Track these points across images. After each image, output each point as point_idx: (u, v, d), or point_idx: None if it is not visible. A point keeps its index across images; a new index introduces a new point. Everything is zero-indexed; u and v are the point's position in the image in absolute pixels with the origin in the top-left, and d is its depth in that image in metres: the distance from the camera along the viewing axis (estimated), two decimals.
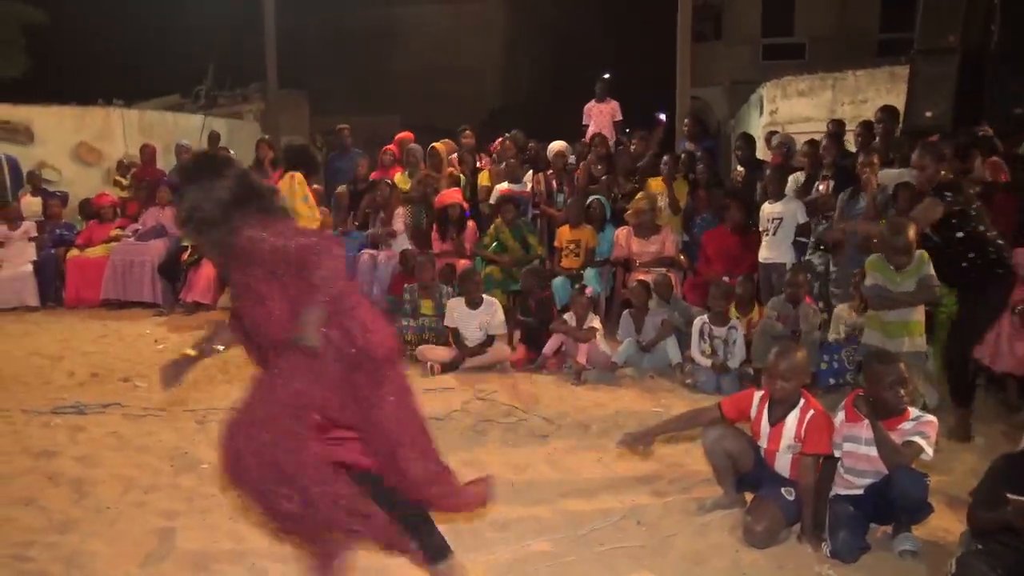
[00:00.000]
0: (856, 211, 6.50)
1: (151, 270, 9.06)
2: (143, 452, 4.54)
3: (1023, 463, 2.92)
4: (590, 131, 9.78)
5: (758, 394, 3.68)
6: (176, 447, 4.62)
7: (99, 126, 12.11)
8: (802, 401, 3.54)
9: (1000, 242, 4.66)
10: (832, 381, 5.79)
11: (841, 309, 6.04)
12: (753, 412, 3.67)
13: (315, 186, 7.92)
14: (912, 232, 4.58)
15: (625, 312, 6.67)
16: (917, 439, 3.31)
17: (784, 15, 22.81)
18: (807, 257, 6.79)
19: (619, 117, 10.12)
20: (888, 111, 7.32)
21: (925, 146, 4.81)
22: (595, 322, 6.29)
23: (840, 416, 3.53)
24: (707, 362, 5.97)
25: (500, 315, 6.41)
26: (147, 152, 10.52)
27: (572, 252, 7.78)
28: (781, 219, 7.03)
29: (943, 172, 4.70)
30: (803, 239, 6.96)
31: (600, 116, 10.15)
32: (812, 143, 7.66)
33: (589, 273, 7.58)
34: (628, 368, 6.28)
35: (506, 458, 4.48)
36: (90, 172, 11.74)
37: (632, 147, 8.90)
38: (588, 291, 6.55)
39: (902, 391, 3.36)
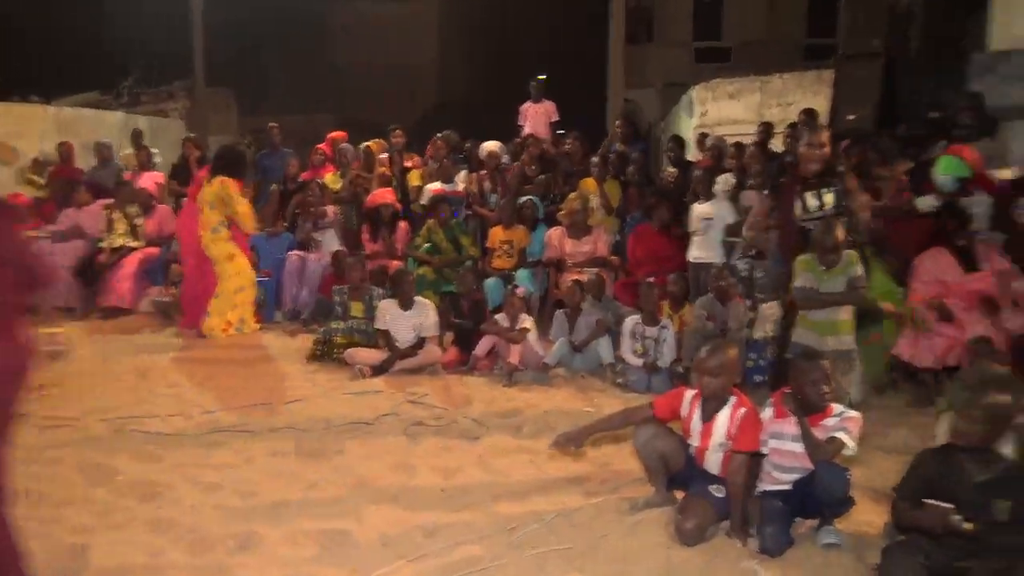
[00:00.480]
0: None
1: (67, 273, 8.67)
2: (54, 464, 4.32)
3: (943, 457, 2.97)
4: (526, 132, 9.76)
5: (689, 393, 3.69)
6: (88, 458, 4.40)
7: (14, 123, 11.60)
8: (733, 399, 3.56)
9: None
10: (758, 379, 5.86)
11: (768, 308, 6.14)
12: (684, 411, 3.67)
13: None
14: (841, 231, 4.66)
15: (558, 312, 6.66)
16: (840, 435, 3.37)
17: (713, 19, 23.28)
18: (732, 262, 6.89)
19: (555, 118, 10.13)
20: (810, 113, 7.49)
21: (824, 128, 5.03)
22: (527, 323, 6.25)
23: (768, 413, 3.57)
24: (638, 362, 6.00)
25: (432, 316, 6.33)
26: (64, 150, 10.11)
27: (505, 253, 7.74)
28: (711, 219, 7.12)
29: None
30: (732, 239, 7.05)
31: (536, 117, 10.15)
32: (739, 146, 7.80)
33: (522, 274, 7.55)
34: (560, 368, 6.27)
35: (436, 461, 4.41)
36: (2, 171, 11.22)
37: (567, 147, 8.91)
38: (520, 291, 6.51)
39: (825, 388, 3.41)
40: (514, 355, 6.06)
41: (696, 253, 7.17)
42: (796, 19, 22.72)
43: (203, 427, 4.92)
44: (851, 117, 7.75)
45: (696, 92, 10.25)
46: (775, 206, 5.15)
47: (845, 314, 4.82)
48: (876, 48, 7.64)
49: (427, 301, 6.47)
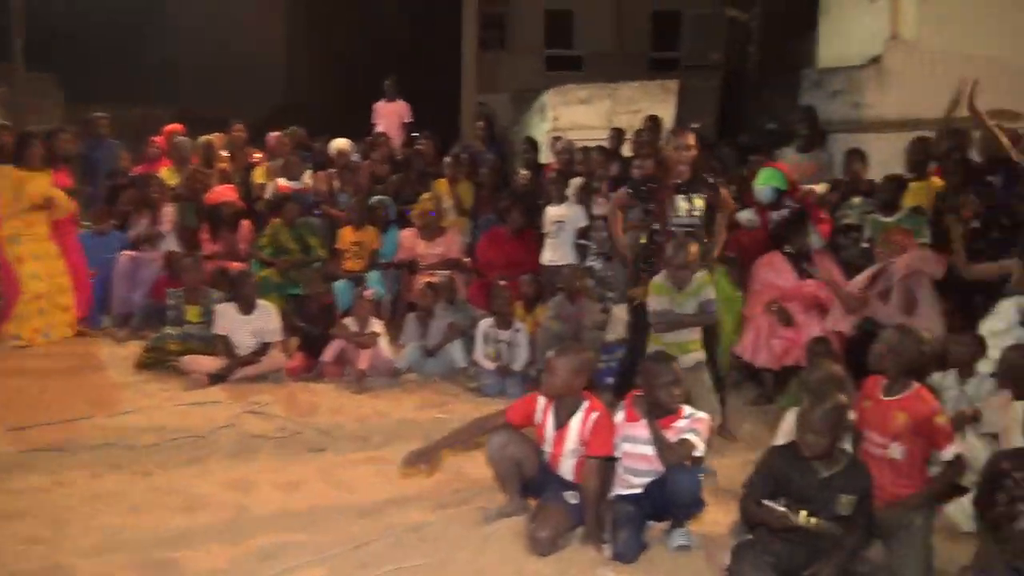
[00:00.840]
0: (630, 216, 6.72)
1: None
2: None
3: (790, 455, 3.03)
4: (378, 131, 9.50)
5: (543, 399, 3.61)
6: None
7: None
8: (586, 403, 3.50)
9: None
10: (610, 381, 5.91)
11: (619, 310, 6.21)
12: (538, 417, 3.59)
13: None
14: (694, 249, 4.72)
15: (410, 315, 6.47)
16: (690, 436, 3.38)
17: (565, 29, 23.78)
18: (588, 263, 6.94)
19: (408, 118, 9.92)
20: (654, 120, 7.66)
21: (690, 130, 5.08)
22: (377, 326, 6.03)
23: (620, 416, 3.54)
24: (492, 365, 5.90)
25: (275, 321, 5.97)
26: None
27: (355, 254, 7.46)
28: (563, 222, 7.14)
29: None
30: (583, 242, 7.10)
31: (389, 116, 9.90)
32: (586, 150, 7.85)
33: (373, 276, 7.30)
34: (412, 373, 6.08)
35: (277, 476, 4.12)
36: None
37: (420, 147, 8.73)
38: (369, 293, 6.26)
39: (676, 391, 3.41)
40: (364, 360, 5.82)
41: (549, 255, 7.17)
42: (642, 33, 23.57)
43: (10, 447, 4.38)
44: (695, 126, 7.96)
45: (549, 97, 10.34)
46: (647, 209, 5.12)
47: (695, 334, 4.82)
48: (717, 61, 7.91)
49: (270, 304, 6.10)
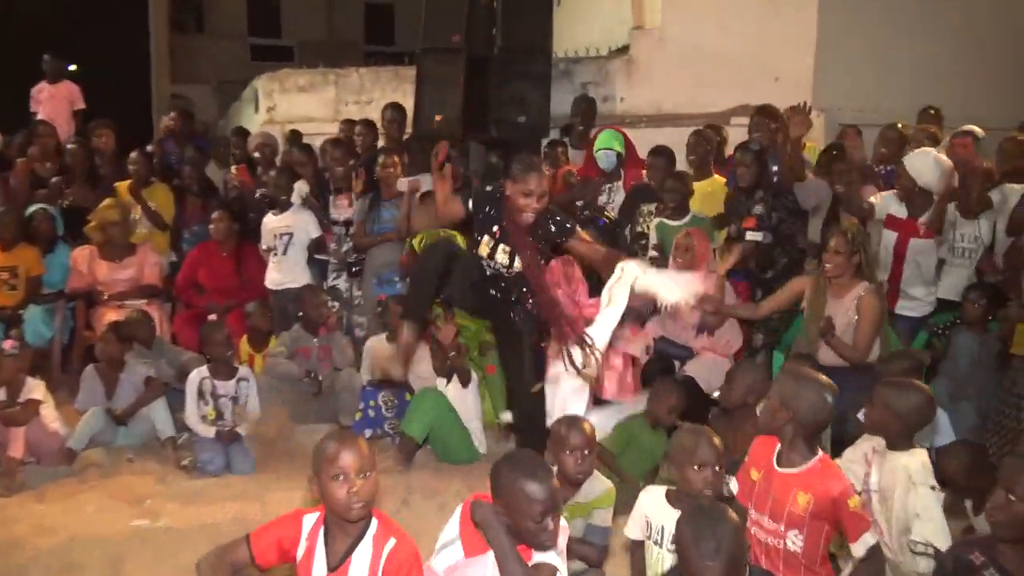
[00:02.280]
0: (381, 225, 5.57)
1: None
2: None
3: None
4: (39, 120, 7.37)
5: (310, 517, 2.31)
6: None
7: None
8: (375, 524, 2.27)
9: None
10: (368, 432, 4.72)
11: (375, 342, 5.02)
12: (301, 548, 2.29)
13: None
14: (588, 429, 3.67)
15: (89, 368, 4.74)
16: (549, 558, 2.28)
17: (271, 16, 21.89)
18: (331, 283, 5.67)
19: (81, 104, 7.88)
20: (397, 109, 6.55)
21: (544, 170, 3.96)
22: (36, 390, 4.28)
23: (451, 551, 2.31)
24: (211, 431, 4.42)
25: None
26: None
27: (6, 283, 5.52)
28: (291, 234, 5.76)
29: None
30: (323, 257, 5.81)
31: (53, 102, 7.79)
32: (305, 147, 6.52)
33: (33, 312, 5.44)
34: (95, 451, 4.38)
35: None
36: None
37: (98, 141, 6.81)
38: (9, 345, 4.37)
39: (551, 522, 2.22)
40: (16, 444, 4.07)
41: (276, 277, 5.76)
42: (355, 23, 22.37)
43: None
44: (438, 118, 6.96)
45: (262, 83, 8.80)
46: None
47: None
48: (458, 44, 6.94)
49: None
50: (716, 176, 5.36)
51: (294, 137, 7.50)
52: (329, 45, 19.25)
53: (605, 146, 5.72)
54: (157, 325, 5.25)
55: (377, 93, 8.42)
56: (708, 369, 4.54)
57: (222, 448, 4.35)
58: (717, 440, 2.49)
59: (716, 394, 4.47)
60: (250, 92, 9.65)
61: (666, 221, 5.02)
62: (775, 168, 4.68)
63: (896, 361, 3.87)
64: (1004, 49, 7.60)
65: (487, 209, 3.69)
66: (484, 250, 3.70)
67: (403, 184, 5.64)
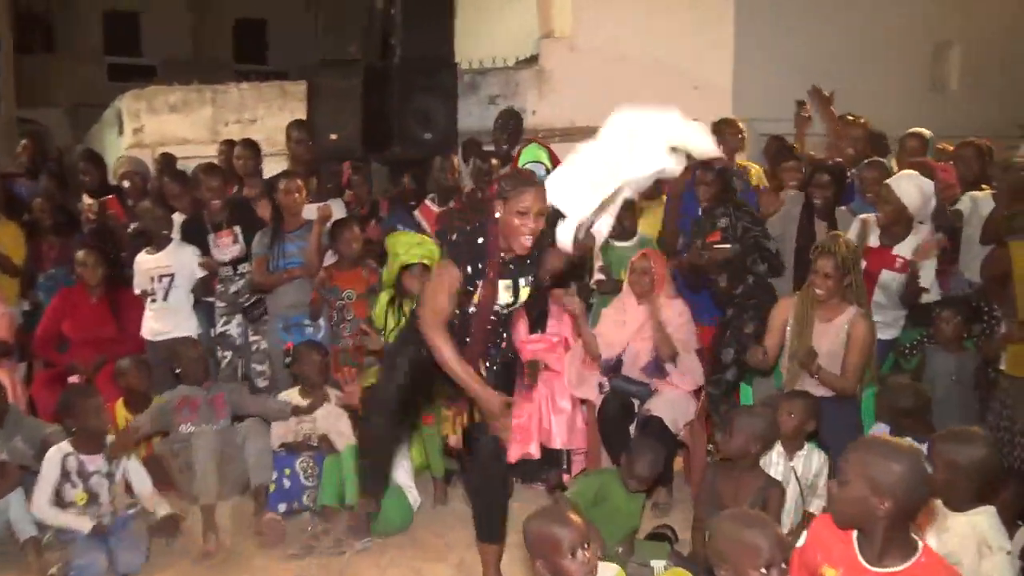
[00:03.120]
0: (286, 260, 4.81)
1: None
2: None
3: None
4: None
5: None
6: None
7: None
8: None
9: None
10: (283, 507, 3.99)
11: (291, 395, 4.27)
12: None
13: None
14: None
15: None
16: None
17: (129, 33, 20.39)
18: (220, 328, 4.87)
19: None
20: (304, 127, 5.82)
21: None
22: None
23: None
24: (86, 524, 3.57)
25: None
26: None
27: None
28: (172, 275, 4.90)
29: None
30: (212, 298, 4.99)
31: None
32: (179, 174, 5.66)
33: None
34: None
35: None
36: None
37: None
38: None
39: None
40: None
41: (154, 326, 4.89)
42: (223, 40, 21.13)
43: None
44: (334, 136, 6.30)
45: (126, 103, 7.82)
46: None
47: None
48: (354, 55, 6.30)
49: None
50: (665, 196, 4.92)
51: (166, 162, 6.60)
52: (196, 63, 18.04)
53: (533, 159, 5.18)
54: (8, 391, 4.30)
55: (261, 111, 7.64)
56: (671, 406, 4.06)
57: (101, 544, 3.50)
58: (779, 529, 1.96)
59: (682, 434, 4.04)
60: (112, 113, 8.62)
61: (612, 242, 4.51)
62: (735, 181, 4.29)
63: (901, 398, 3.49)
64: (916, 57, 7.62)
65: (473, 259, 2.93)
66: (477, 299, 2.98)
67: (310, 211, 4.93)
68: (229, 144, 6.33)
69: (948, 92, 7.86)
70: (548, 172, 5.16)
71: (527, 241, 2.85)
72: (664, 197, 4.84)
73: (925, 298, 4.22)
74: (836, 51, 6.89)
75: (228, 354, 4.89)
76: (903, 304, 4.06)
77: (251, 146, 5.77)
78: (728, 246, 4.00)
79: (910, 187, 3.94)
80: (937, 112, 7.06)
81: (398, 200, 5.67)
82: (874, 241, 4.08)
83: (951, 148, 4.90)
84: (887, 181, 4.05)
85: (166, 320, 4.84)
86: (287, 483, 4.01)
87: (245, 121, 7.59)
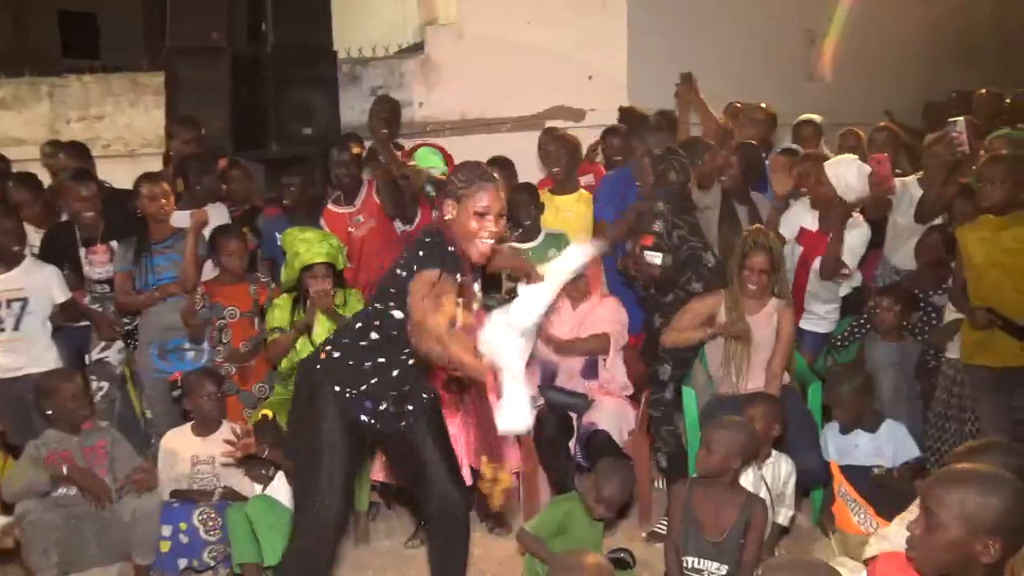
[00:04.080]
0: (156, 276, 4.17)
1: None
2: None
3: None
4: None
5: None
6: None
7: None
8: None
9: None
10: (183, 563, 3.42)
11: (174, 440, 3.66)
12: None
13: None
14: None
15: None
16: None
17: None
18: (97, 355, 4.19)
19: None
20: (184, 123, 5.12)
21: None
22: None
23: None
24: None
25: None
26: None
27: None
28: (24, 300, 4.14)
29: None
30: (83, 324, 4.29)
31: None
32: (27, 178, 4.88)
33: None
34: None
35: None
36: None
37: None
38: None
39: None
40: None
41: (3, 361, 4.11)
42: (48, 33, 19.25)
43: None
44: (203, 132, 5.63)
45: None
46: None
47: None
48: (219, 42, 5.65)
49: None
50: (583, 191, 4.61)
51: (2, 166, 5.70)
52: (19, 56, 16.24)
53: (427, 165, 4.77)
54: None
55: (110, 106, 6.78)
56: (613, 416, 3.78)
57: None
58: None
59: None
60: None
61: (515, 245, 4.10)
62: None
63: (845, 383, 3.41)
64: (798, 48, 7.73)
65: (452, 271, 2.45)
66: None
67: (181, 219, 4.30)
68: (54, 146, 5.54)
69: (822, 82, 8.04)
70: (444, 176, 4.74)
71: (485, 247, 2.45)
72: (581, 192, 4.56)
73: (848, 284, 4.16)
74: (724, 38, 6.86)
75: (104, 384, 4.20)
76: (821, 275, 3.94)
77: (76, 148, 5.22)
78: (659, 260, 3.71)
79: (847, 171, 3.83)
80: (812, 100, 7.18)
81: (301, 204, 4.90)
82: (811, 224, 3.98)
83: (860, 133, 4.90)
84: (824, 164, 3.95)
85: (18, 353, 4.07)
86: (184, 539, 3.40)
87: (91, 118, 6.72)
